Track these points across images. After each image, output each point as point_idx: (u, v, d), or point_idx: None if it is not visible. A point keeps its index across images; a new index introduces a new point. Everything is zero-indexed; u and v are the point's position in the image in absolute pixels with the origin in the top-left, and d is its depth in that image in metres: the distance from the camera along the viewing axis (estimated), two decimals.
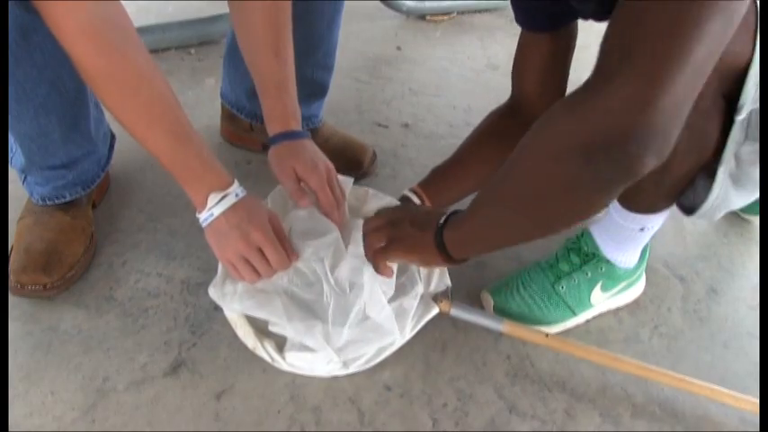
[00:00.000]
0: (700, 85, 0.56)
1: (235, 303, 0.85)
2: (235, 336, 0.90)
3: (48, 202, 1.01)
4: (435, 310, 0.89)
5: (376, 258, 0.84)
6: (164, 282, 1.00)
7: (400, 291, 0.87)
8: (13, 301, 0.93)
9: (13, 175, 1.04)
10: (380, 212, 0.91)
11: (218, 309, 0.94)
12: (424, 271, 0.91)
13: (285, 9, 0.91)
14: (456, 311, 0.89)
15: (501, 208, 0.71)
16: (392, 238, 0.84)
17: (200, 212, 0.82)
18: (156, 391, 0.84)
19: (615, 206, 0.89)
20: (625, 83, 0.53)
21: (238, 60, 1.17)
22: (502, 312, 0.95)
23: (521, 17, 0.93)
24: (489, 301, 0.97)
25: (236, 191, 0.82)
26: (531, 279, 0.97)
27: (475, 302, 1.00)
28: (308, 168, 0.90)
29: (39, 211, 1.00)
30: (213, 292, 0.86)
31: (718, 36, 0.54)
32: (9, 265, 0.94)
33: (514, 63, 0.99)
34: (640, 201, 0.87)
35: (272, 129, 0.93)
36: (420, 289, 0.88)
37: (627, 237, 0.93)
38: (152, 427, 0.80)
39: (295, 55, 1.13)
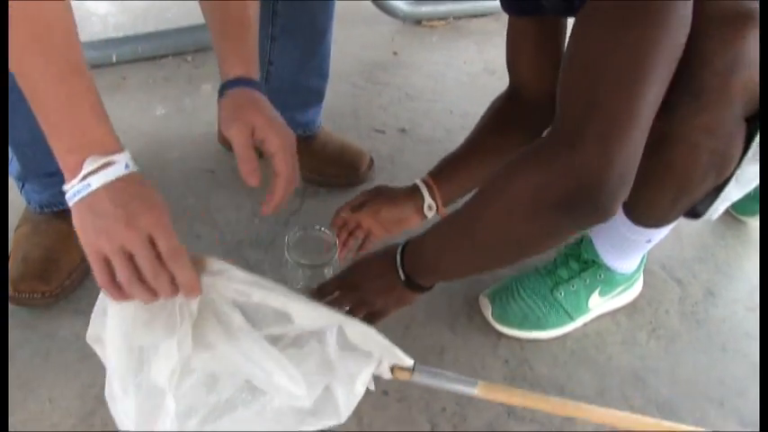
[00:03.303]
0: (651, 122, 0.61)
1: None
2: None
3: (45, 210, 1.00)
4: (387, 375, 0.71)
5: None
6: None
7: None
8: (11, 309, 0.93)
9: (12, 184, 1.04)
10: (327, 286, 0.81)
11: None
12: (377, 349, 0.69)
13: None
14: (419, 377, 0.71)
15: (469, 243, 0.73)
16: (369, 312, 0.81)
17: (68, 182, 0.60)
18: None
19: (623, 220, 0.88)
20: (593, 140, 0.59)
21: None
22: (500, 317, 0.96)
23: (505, 3, 0.93)
24: (487, 305, 0.97)
25: (125, 161, 0.60)
26: (529, 284, 0.97)
27: (473, 306, 1.00)
28: (272, 126, 0.73)
29: (36, 220, 1.00)
30: (91, 336, 0.66)
31: (665, 75, 0.61)
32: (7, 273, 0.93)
33: (507, 51, 0.99)
34: (653, 216, 0.86)
35: (229, 70, 0.76)
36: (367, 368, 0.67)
37: (632, 248, 0.93)
38: None
39: (290, 64, 1.14)
